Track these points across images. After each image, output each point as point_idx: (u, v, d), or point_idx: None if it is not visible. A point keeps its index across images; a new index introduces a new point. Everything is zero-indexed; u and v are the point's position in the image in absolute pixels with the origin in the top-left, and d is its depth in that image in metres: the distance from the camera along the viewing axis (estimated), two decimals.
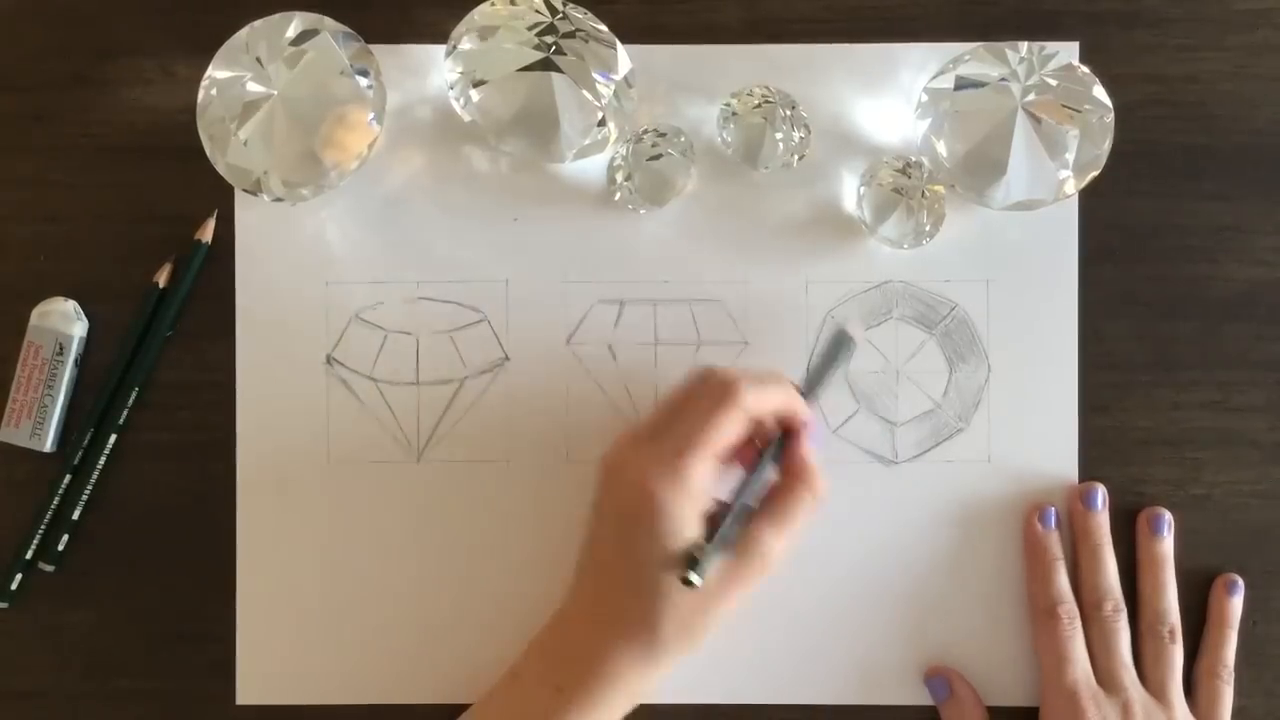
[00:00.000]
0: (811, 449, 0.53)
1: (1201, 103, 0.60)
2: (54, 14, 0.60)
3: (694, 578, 0.49)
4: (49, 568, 0.59)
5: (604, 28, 0.56)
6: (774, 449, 0.53)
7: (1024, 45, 0.56)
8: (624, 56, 0.56)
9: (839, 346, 0.56)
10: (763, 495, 0.53)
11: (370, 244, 0.60)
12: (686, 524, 0.50)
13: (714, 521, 0.51)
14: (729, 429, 0.51)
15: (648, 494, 0.50)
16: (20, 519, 0.59)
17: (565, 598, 0.54)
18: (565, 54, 0.55)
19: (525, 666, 0.54)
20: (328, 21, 0.57)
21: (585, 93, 0.55)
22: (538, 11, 0.56)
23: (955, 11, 0.60)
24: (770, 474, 0.53)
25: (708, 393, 0.51)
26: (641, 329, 0.60)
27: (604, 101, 0.56)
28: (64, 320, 0.59)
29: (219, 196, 0.59)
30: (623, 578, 0.51)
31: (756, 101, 0.57)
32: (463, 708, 0.55)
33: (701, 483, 0.50)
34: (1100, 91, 0.56)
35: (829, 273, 0.60)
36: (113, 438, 0.59)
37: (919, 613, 0.59)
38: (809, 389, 0.55)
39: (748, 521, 0.52)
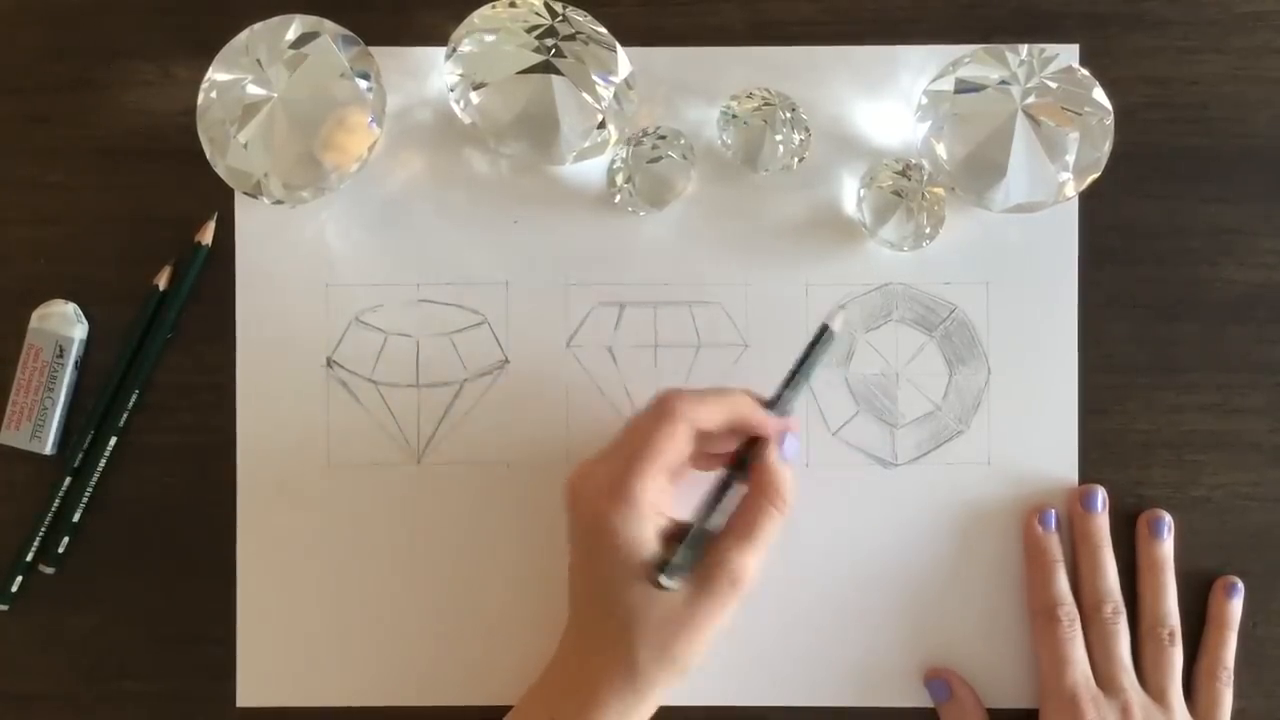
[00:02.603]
0: (779, 459, 0.52)
1: (1202, 105, 0.60)
2: (54, 16, 0.60)
3: (665, 580, 0.49)
4: (49, 570, 0.59)
5: (604, 30, 0.56)
6: (736, 464, 0.52)
7: (1024, 48, 0.56)
8: (624, 59, 0.56)
9: (817, 342, 0.54)
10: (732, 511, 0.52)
11: (370, 246, 0.60)
12: (642, 541, 0.50)
13: (679, 540, 0.50)
14: (670, 444, 0.50)
15: (599, 514, 0.50)
16: (20, 521, 0.59)
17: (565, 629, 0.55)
18: (565, 56, 0.55)
19: (527, 700, 0.54)
20: (328, 24, 0.57)
21: (585, 95, 0.55)
22: (538, 14, 0.56)
23: (955, 14, 0.60)
24: (742, 489, 0.52)
25: (649, 410, 0.51)
26: (641, 331, 0.60)
27: (604, 104, 0.56)
28: (64, 323, 0.59)
29: (219, 199, 0.59)
30: (594, 602, 0.51)
31: (756, 104, 0.57)
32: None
33: (650, 499, 0.50)
34: (1100, 94, 0.56)
35: (829, 275, 0.60)
36: (113, 440, 0.59)
37: (919, 615, 0.59)
38: (781, 394, 0.53)
39: (717, 540, 0.51)
